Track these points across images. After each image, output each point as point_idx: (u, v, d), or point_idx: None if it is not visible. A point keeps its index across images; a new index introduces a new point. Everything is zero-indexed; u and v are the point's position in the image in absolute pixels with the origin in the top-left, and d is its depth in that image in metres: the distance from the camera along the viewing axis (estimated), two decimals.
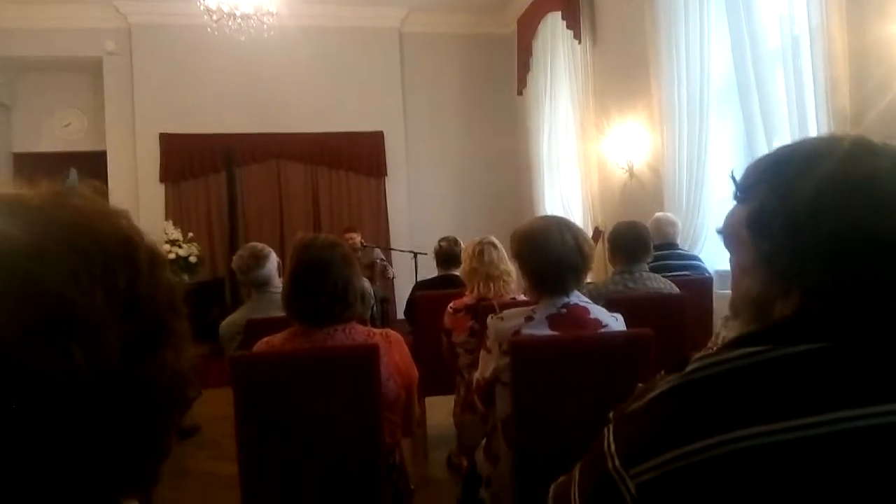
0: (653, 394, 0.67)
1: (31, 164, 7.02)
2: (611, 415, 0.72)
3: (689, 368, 0.65)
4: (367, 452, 1.53)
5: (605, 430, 0.70)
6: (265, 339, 1.66)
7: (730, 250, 0.76)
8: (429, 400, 3.61)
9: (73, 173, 4.61)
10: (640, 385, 0.70)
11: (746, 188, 0.73)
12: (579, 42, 5.69)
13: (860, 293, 0.63)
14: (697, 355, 0.66)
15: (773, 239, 0.67)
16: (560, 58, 6.19)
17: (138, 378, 0.45)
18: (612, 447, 0.67)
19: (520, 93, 7.18)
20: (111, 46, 7.12)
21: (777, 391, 0.61)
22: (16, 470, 0.41)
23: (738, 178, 0.75)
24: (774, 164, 0.71)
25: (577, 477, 0.75)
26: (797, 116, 3.16)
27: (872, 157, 0.67)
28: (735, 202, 0.75)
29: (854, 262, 0.63)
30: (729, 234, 0.75)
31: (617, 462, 0.65)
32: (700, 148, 4.16)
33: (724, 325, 0.75)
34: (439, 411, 3.71)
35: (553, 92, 6.42)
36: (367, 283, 3.36)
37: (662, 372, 0.69)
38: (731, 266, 0.76)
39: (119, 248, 0.47)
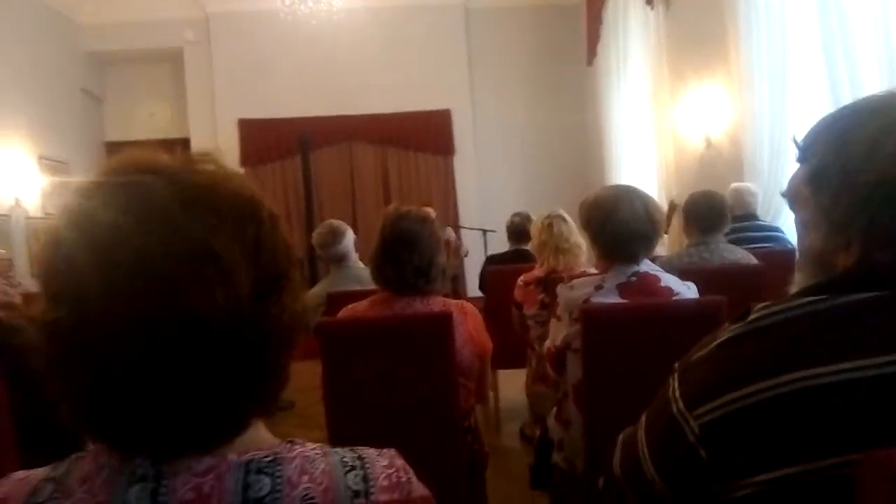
0: (717, 342, 0.70)
1: (121, 153, 7.49)
2: (675, 365, 0.75)
3: (751, 317, 0.68)
4: (444, 413, 1.61)
5: (671, 378, 0.74)
6: (349, 306, 1.77)
7: (794, 210, 0.79)
8: (500, 373, 3.67)
9: None
10: (705, 337, 0.74)
11: (806, 148, 0.75)
12: (652, 8, 5.51)
13: None
14: (760, 305, 0.69)
15: (831, 192, 0.69)
16: (632, 25, 6.01)
17: (265, 316, 0.53)
18: (677, 392, 0.71)
19: (589, 63, 7.03)
20: (190, 36, 7.47)
21: (836, 335, 0.63)
22: (172, 388, 0.50)
23: (799, 141, 0.77)
24: (831, 123, 0.73)
25: (643, 423, 0.79)
26: (888, 78, 2.96)
27: None
28: (798, 163, 0.77)
29: None
30: (792, 194, 0.78)
31: (681, 405, 0.70)
32: (783, 114, 3.97)
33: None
34: (511, 385, 3.76)
35: (625, 61, 6.26)
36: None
37: (727, 324, 0.72)
38: (796, 225, 0.79)
39: (246, 205, 0.55)
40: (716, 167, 4.91)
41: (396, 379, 1.61)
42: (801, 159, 0.76)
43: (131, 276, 0.48)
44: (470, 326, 1.77)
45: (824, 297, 0.66)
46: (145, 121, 7.94)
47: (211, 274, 0.50)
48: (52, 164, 6.44)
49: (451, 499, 1.67)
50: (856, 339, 0.62)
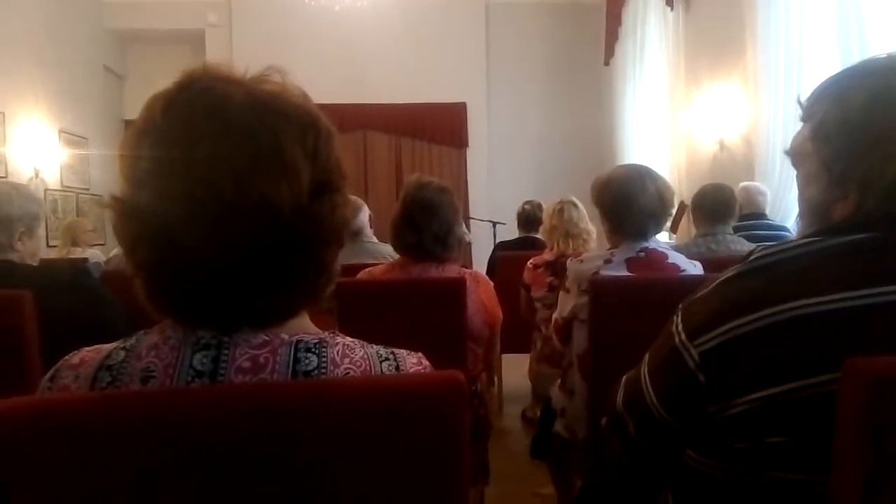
0: (718, 280, 0.77)
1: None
2: (680, 305, 0.82)
3: (751, 258, 0.75)
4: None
5: (675, 315, 0.80)
6: (368, 269, 1.84)
7: (796, 166, 0.84)
8: (505, 357, 3.74)
9: None
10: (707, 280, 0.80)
11: (810, 106, 0.81)
12: (671, 9, 5.55)
13: None
14: (760, 247, 0.75)
15: (832, 144, 0.75)
16: (650, 26, 6.05)
17: (319, 213, 0.60)
18: (680, 327, 0.77)
19: (606, 62, 7.07)
20: (213, 19, 7.55)
21: (829, 270, 0.69)
22: (238, 267, 0.57)
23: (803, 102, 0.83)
24: (834, 83, 0.79)
25: (646, 359, 0.86)
26: None
27: None
28: (802, 122, 0.83)
29: None
30: (796, 150, 0.83)
31: (683, 336, 0.76)
32: (797, 117, 3.99)
33: None
34: (515, 370, 3.83)
35: (641, 61, 6.30)
36: None
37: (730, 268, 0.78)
38: (798, 181, 0.84)
39: (307, 116, 0.62)
40: (728, 169, 4.95)
41: (409, 340, 1.67)
42: (805, 118, 0.82)
43: (210, 166, 0.55)
44: (482, 295, 1.83)
45: (819, 238, 0.72)
46: None
47: (277, 169, 0.57)
48: (73, 139, 6.54)
49: None
50: (847, 274, 0.68)
